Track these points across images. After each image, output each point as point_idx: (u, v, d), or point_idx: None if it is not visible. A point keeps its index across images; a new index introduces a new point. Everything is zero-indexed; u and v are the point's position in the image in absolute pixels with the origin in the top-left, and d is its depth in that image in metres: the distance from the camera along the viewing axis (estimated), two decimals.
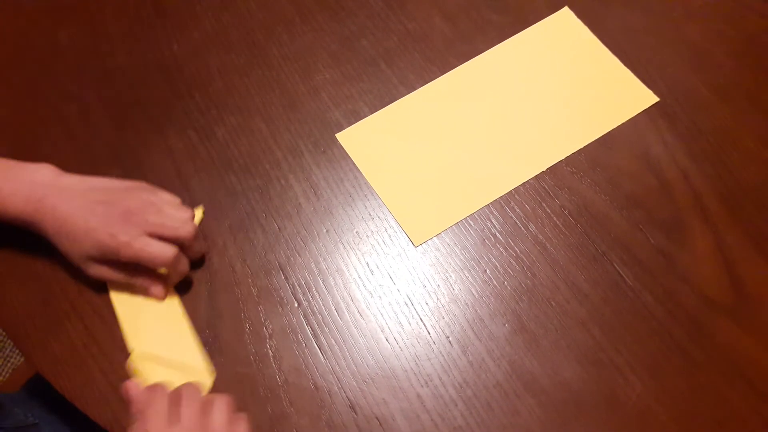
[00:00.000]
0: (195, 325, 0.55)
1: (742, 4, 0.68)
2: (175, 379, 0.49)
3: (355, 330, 0.55)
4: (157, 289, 0.55)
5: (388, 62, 0.67)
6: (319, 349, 0.54)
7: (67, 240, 0.52)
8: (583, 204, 0.59)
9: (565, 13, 0.68)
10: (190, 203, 0.60)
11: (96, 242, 0.51)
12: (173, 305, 0.56)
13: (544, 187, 0.60)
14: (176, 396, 0.46)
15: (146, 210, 0.53)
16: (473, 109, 0.64)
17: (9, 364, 1.24)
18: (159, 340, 0.54)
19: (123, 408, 0.52)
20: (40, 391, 0.68)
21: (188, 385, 0.47)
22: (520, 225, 0.58)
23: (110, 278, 0.54)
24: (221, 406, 0.46)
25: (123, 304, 0.56)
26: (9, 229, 0.54)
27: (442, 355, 0.54)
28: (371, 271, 0.57)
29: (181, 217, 0.54)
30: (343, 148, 0.63)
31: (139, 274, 0.54)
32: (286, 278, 0.57)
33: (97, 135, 0.64)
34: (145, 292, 0.55)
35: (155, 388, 0.47)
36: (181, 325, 0.55)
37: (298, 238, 0.59)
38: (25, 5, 0.71)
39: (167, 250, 0.52)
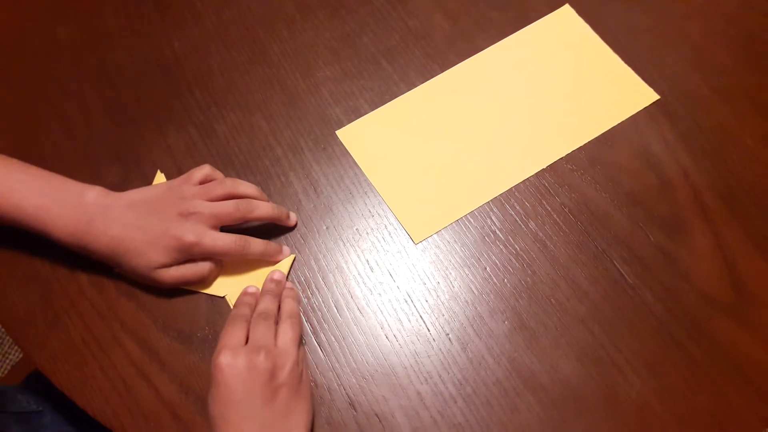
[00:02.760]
0: (195, 322, 0.55)
1: (743, 3, 0.68)
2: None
3: (354, 327, 0.55)
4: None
5: (389, 59, 0.67)
6: (319, 346, 0.54)
7: (126, 258, 0.53)
8: (583, 201, 0.59)
9: (566, 11, 0.68)
10: None
11: (164, 248, 0.52)
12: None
13: (544, 185, 0.60)
14: (257, 315, 0.52)
15: (195, 206, 0.53)
16: (473, 106, 0.64)
17: (8, 360, 1.24)
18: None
19: (122, 405, 0.52)
20: (40, 384, 0.68)
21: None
22: (520, 222, 0.58)
23: (187, 277, 0.54)
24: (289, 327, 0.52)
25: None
26: (8, 226, 0.54)
27: (442, 353, 0.54)
28: (371, 268, 0.57)
29: (227, 203, 0.55)
30: (343, 145, 0.63)
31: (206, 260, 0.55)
32: (285, 275, 0.57)
33: (96, 133, 0.64)
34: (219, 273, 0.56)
35: (239, 306, 0.54)
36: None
37: (298, 235, 0.59)
38: (24, 2, 0.71)
39: (236, 244, 0.54)
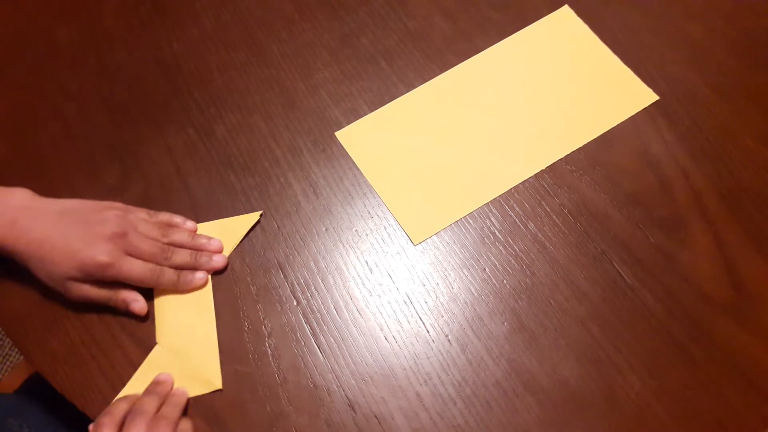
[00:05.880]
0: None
1: (741, 3, 0.68)
2: (184, 381, 0.52)
3: (354, 328, 0.55)
4: (138, 305, 0.54)
5: (388, 60, 0.66)
6: (318, 347, 0.54)
7: (43, 263, 0.52)
8: (582, 202, 0.59)
9: (565, 11, 0.68)
10: (189, 202, 0.60)
11: (79, 263, 0.51)
12: (206, 304, 0.56)
13: (543, 186, 0.60)
14: (133, 411, 0.48)
15: (125, 229, 0.53)
16: (473, 107, 0.64)
17: (8, 362, 1.24)
18: (185, 335, 0.55)
19: None
20: (36, 393, 0.67)
21: (145, 401, 0.49)
22: (519, 223, 0.58)
23: (91, 297, 0.54)
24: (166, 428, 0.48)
25: (161, 300, 0.56)
26: None
27: (441, 354, 0.54)
28: (370, 270, 0.57)
29: (156, 240, 0.55)
30: (342, 147, 0.63)
31: (120, 289, 0.54)
32: (285, 277, 0.57)
33: (96, 133, 0.64)
34: (125, 307, 0.55)
35: (117, 403, 0.50)
36: (209, 327, 0.55)
37: (297, 237, 0.59)
38: (24, 3, 0.71)
39: (152, 272, 0.53)
